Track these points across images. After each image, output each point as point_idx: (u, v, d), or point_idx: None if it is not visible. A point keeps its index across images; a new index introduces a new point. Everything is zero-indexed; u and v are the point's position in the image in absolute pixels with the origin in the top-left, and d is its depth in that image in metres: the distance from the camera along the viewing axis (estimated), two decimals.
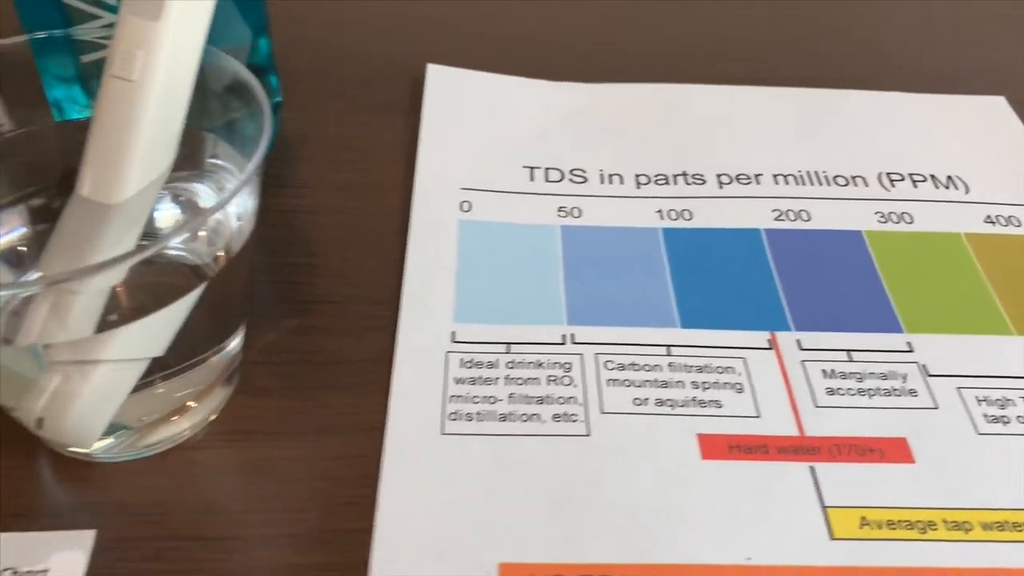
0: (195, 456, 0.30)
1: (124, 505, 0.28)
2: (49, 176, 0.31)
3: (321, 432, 0.31)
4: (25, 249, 0.30)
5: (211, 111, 0.29)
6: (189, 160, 0.30)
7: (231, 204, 0.26)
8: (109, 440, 0.29)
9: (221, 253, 0.29)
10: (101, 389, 0.27)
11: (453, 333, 0.34)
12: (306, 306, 0.35)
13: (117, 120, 0.27)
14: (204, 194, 0.30)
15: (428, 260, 0.36)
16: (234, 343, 0.30)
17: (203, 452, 0.30)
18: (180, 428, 0.30)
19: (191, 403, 0.30)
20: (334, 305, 0.35)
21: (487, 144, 0.42)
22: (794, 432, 0.31)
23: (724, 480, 0.30)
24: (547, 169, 0.41)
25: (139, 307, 0.28)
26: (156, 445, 0.30)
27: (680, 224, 0.39)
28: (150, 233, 0.29)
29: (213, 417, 0.31)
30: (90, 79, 0.34)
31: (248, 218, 0.27)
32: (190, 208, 0.30)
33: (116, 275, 0.25)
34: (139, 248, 0.28)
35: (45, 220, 0.30)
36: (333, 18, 0.51)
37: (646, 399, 0.32)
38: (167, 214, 0.30)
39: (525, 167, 0.41)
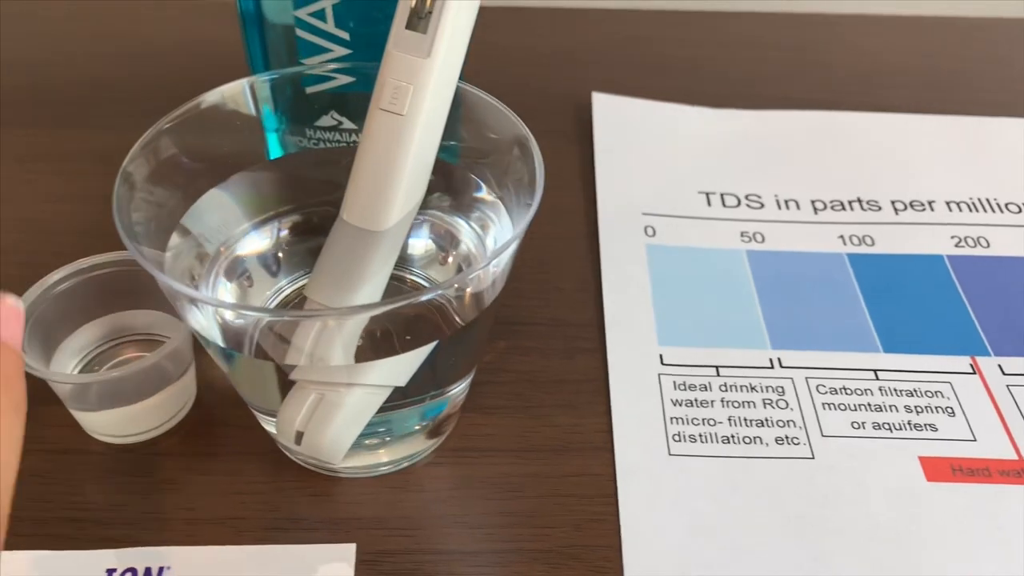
0: (434, 472, 0.31)
1: (376, 519, 0.30)
2: (304, 195, 0.33)
3: (553, 450, 0.32)
4: (282, 256, 0.32)
5: (483, 154, 0.30)
6: (453, 194, 0.31)
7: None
8: (352, 456, 0.30)
9: (468, 290, 0.30)
10: (354, 410, 0.28)
11: (661, 356, 0.35)
12: (515, 327, 0.36)
13: (385, 151, 0.28)
14: (464, 230, 0.31)
15: (623, 283, 0.38)
16: (465, 382, 0.31)
17: (440, 468, 0.31)
18: (414, 449, 0.31)
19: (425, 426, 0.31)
20: (541, 327, 0.36)
21: (660, 170, 0.43)
22: (1012, 456, 0.32)
23: (953, 502, 0.30)
24: (723, 195, 0.42)
25: (379, 330, 0.29)
26: (395, 463, 0.31)
27: (863, 250, 0.39)
28: (403, 258, 0.30)
29: (445, 437, 0.32)
30: (305, 107, 0.35)
31: (504, 270, 0.28)
32: (447, 240, 0.32)
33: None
34: (416, 290, 0.30)
35: (300, 233, 0.32)
36: (493, 51, 0.52)
37: (863, 423, 0.33)
38: (420, 241, 0.32)
39: (701, 192, 0.42)
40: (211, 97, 0.30)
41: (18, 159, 0.44)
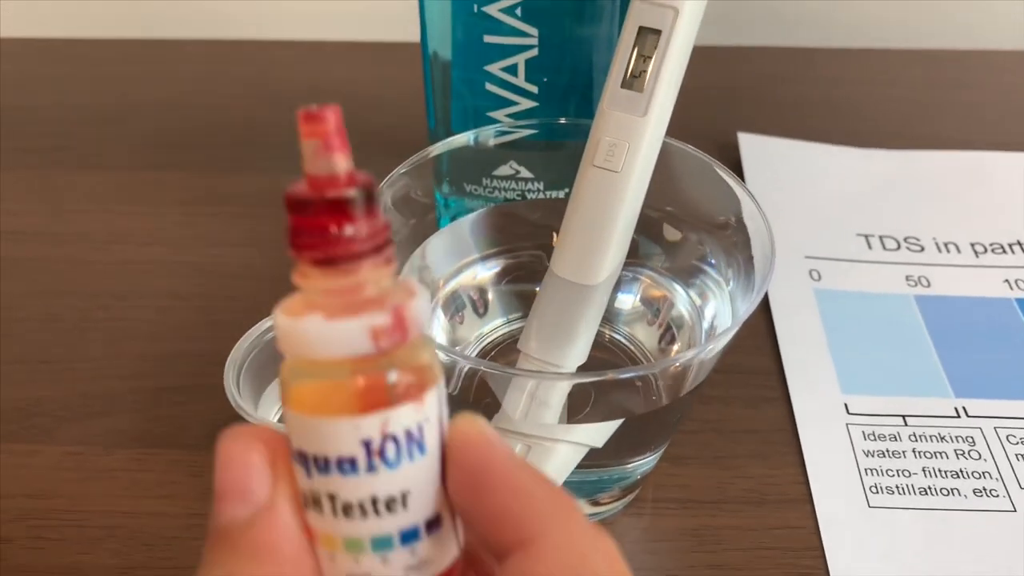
0: (633, 523, 0.31)
1: None
2: (517, 239, 0.34)
3: (751, 502, 0.32)
4: (490, 298, 0.33)
5: (707, 220, 0.31)
6: (671, 256, 0.31)
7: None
8: None
9: (676, 367, 0.29)
10: (559, 464, 0.29)
11: (846, 405, 0.35)
12: None
13: (599, 208, 0.29)
14: (680, 295, 0.32)
15: (796, 329, 0.38)
16: (662, 449, 0.31)
17: (639, 519, 0.31)
18: (611, 503, 0.31)
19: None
20: (719, 374, 0.35)
21: (814, 211, 0.43)
22: None
23: None
24: (882, 237, 0.42)
25: (581, 392, 0.29)
26: (594, 515, 0.31)
27: None
28: (607, 311, 0.31)
29: (639, 490, 0.32)
30: (483, 157, 0.36)
31: (719, 352, 0.28)
32: (660, 302, 0.32)
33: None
34: (641, 365, 0.31)
35: (510, 277, 0.33)
36: None
37: None
38: (628, 297, 0.32)
39: (859, 235, 0.42)
40: (438, 148, 0.31)
41: (179, 202, 0.45)
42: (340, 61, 0.56)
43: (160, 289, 0.40)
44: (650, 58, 0.28)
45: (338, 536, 0.15)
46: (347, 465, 0.15)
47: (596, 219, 0.29)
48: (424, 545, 0.16)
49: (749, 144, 0.47)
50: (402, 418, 0.15)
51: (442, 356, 0.29)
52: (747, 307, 0.26)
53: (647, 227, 0.29)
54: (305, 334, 0.15)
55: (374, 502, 0.15)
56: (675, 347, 0.31)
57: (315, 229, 0.15)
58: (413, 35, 0.36)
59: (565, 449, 0.29)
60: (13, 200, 0.45)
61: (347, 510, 0.15)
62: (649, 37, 0.28)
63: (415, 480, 0.15)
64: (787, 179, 0.45)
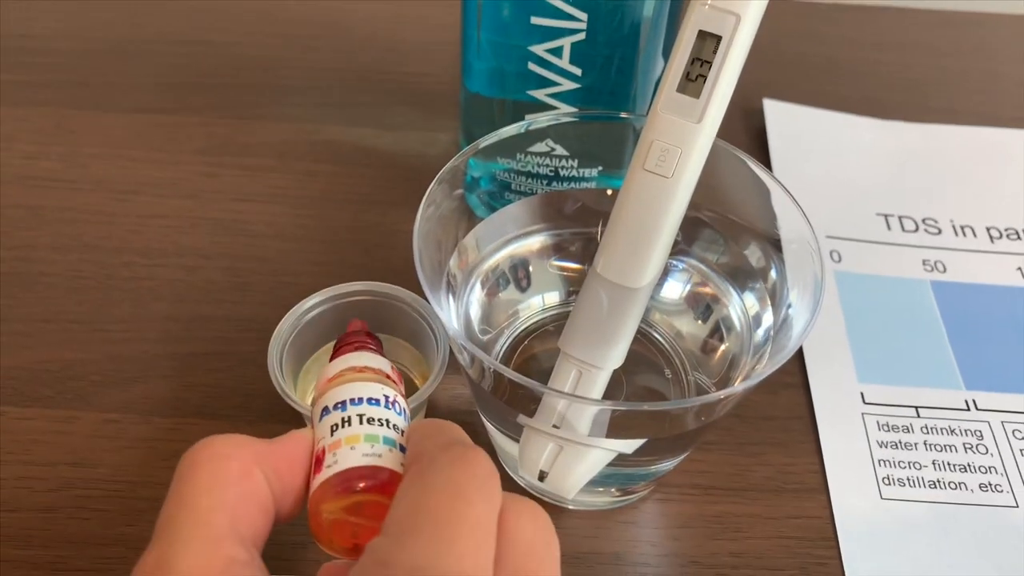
0: (658, 509, 0.33)
1: (615, 555, 0.31)
2: (557, 222, 0.35)
3: (770, 490, 0.33)
4: (532, 270, 0.35)
5: (770, 236, 0.31)
6: (728, 255, 0.32)
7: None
8: (581, 492, 0.32)
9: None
10: (592, 462, 0.30)
11: (862, 394, 0.36)
12: None
13: (647, 212, 0.29)
14: (733, 299, 0.32)
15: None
16: (691, 449, 0.32)
17: (664, 505, 0.33)
18: (637, 492, 0.33)
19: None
20: None
21: (836, 187, 0.44)
22: None
23: None
24: (900, 218, 0.43)
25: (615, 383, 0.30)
26: (620, 500, 0.33)
27: None
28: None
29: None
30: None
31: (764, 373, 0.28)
32: (711, 301, 0.33)
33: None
34: (681, 400, 0.32)
35: (552, 254, 0.35)
36: None
37: None
38: (676, 286, 0.33)
39: (879, 214, 0.43)
40: (490, 139, 0.32)
41: (199, 151, 0.44)
42: None
43: (184, 247, 0.40)
44: (708, 63, 0.28)
45: (361, 434, 0.23)
46: (375, 401, 0.24)
47: (644, 223, 0.29)
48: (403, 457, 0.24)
49: (774, 111, 0.47)
50: (399, 399, 0.25)
51: (474, 353, 0.30)
52: (790, 348, 0.27)
53: (711, 226, 0.30)
54: (366, 356, 0.26)
55: (388, 422, 0.24)
56: (722, 347, 0.32)
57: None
58: None
59: (596, 452, 0.30)
60: (26, 141, 0.44)
61: (371, 421, 0.23)
62: (708, 41, 0.28)
63: (404, 428, 0.24)
64: (811, 150, 0.45)
